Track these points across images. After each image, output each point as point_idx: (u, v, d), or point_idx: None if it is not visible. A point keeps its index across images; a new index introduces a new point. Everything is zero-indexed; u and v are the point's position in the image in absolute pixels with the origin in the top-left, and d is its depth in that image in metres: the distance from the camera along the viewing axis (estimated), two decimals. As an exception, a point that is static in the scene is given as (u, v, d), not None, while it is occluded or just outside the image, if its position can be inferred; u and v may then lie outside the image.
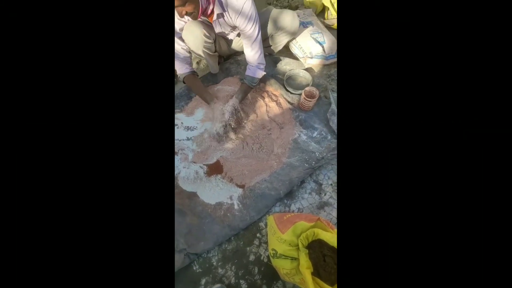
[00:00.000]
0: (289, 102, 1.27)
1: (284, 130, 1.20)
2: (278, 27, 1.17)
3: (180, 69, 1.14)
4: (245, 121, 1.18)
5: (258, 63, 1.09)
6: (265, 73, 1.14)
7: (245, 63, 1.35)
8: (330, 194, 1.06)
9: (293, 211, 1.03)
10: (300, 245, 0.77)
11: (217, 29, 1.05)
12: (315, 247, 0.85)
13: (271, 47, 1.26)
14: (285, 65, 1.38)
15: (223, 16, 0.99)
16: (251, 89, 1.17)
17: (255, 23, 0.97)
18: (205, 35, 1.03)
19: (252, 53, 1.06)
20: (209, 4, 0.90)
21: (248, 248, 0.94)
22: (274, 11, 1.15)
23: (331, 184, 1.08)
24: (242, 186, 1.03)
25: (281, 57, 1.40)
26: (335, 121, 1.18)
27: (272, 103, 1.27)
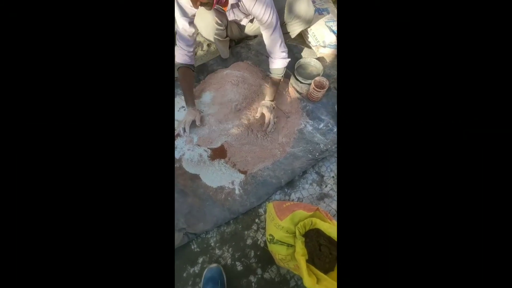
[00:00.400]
0: (297, 91, 1.25)
1: (290, 119, 1.19)
2: (293, 15, 1.13)
3: (179, 57, 1.06)
4: (252, 108, 1.17)
5: (281, 51, 1.04)
6: (289, 59, 1.08)
7: (256, 48, 1.33)
8: (331, 187, 1.06)
9: (293, 200, 1.04)
10: (297, 233, 0.78)
11: (230, 17, 1.02)
12: (312, 236, 0.86)
13: (289, 33, 1.22)
14: (296, 53, 1.34)
15: (237, 6, 0.96)
16: (280, 80, 1.13)
17: (272, 11, 0.93)
18: (217, 23, 1.00)
19: (273, 43, 1.01)
20: None
21: (246, 232, 0.96)
22: None
23: (333, 177, 1.08)
24: (244, 172, 1.04)
25: (294, 45, 1.36)
26: (343, 113, 1.16)
27: (279, 91, 1.25)
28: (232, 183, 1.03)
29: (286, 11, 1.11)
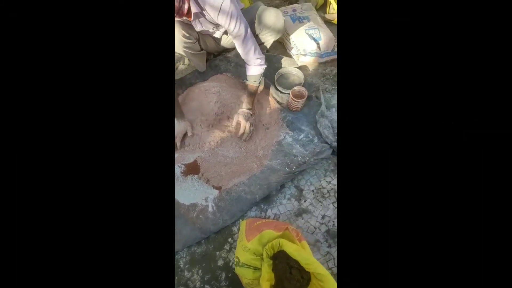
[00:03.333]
0: (278, 102, 1.22)
1: (269, 131, 1.15)
2: (262, 26, 1.11)
3: None
4: (230, 120, 1.15)
5: (256, 58, 1.02)
6: (265, 65, 1.07)
7: (235, 60, 1.31)
8: (311, 201, 1.00)
9: (269, 217, 0.98)
10: (265, 255, 0.73)
11: (198, 28, 1.01)
12: (282, 258, 0.80)
13: (263, 44, 1.21)
14: (276, 63, 1.31)
15: (203, 15, 0.95)
16: (257, 88, 1.11)
17: (238, 20, 0.91)
18: (184, 36, 0.99)
19: (245, 51, 0.99)
20: (183, 3, 0.85)
21: (217, 253, 0.91)
22: (260, 8, 1.08)
23: (313, 191, 1.02)
24: (218, 188, 1.00)
25: (273, 54, 1.34)
26: (324, 123, 1.11)
27: (260, 102, 1.22)
28: (206, 199, 0.99)
29: (256, 22, 1.09)
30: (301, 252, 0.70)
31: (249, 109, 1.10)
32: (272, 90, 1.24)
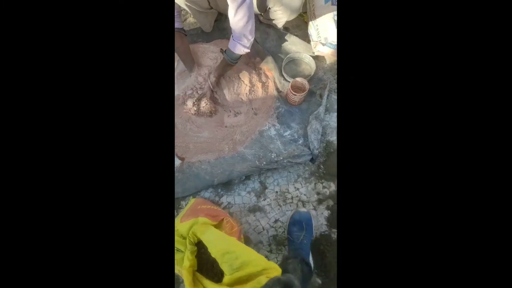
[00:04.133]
0: (277, 89, 1.10)
1: (256, 117, 1.06)
2: (277, 1, 0.95)
3: None
4: (218, 94, 1.07)
5: (242, 35, 0.86)
6: (247, 50, 0.91)
7: (247, 29, 1.18)
8: (270, 202, 0.94)
9: (222, 203, 0.95)
10: (188, 242, 0.70)
11: None
12: (209, 249, 0.78)
13: (274, 21, 1.05)
14: (290, 44, 1.16)
15: None
16: (231, 67, 0.99)
17: None
18: None
19: (235, 19, 0.82)
20: None
21: (160, 220, 0.91)
22: None
23: (277, 192, 0.96)
24: (182, 159, 0.97)
25: (289, 34, 1.18)
26: (314, 126, 1.00)
27: (258, 84, 1.11)
28: (167, 166, 0.96)
29: None
30: (220, 240, 0.65)
31: (213, 86, 1.02)
32: (275, 75, 1.12)
